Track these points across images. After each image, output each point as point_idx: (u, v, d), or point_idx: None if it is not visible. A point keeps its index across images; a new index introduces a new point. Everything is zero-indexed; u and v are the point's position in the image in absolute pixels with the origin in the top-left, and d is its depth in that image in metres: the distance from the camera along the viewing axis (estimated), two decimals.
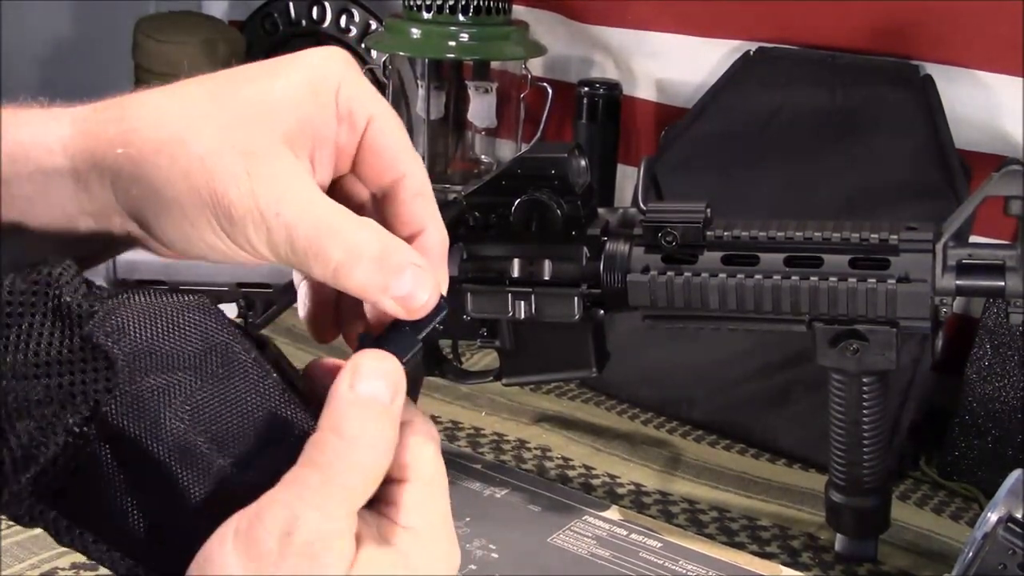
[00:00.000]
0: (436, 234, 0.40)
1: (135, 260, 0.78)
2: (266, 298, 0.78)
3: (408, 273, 0.37)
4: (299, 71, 0.38)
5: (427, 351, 0.87)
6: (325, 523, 0.32)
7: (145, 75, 1.32)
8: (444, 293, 0.39)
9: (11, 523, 0.75)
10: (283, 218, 0.36)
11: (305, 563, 0.32)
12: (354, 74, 0.39)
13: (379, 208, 0.41)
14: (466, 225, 0.73)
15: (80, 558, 0.72)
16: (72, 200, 0.39)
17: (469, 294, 0.73)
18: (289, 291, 0.78)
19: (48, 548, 0.73)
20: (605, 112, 1.11)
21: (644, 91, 1.16)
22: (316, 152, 0.38)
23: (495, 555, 0.72)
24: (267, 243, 0.36)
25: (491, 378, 0.78)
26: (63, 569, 0.71)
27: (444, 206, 0.79)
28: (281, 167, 0.36)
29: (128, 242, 0.40)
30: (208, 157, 0.36)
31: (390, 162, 0.39)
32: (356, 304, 0.41)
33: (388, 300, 0.37)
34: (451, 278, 0.74)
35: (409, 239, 0.39)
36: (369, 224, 0.37)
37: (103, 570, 0.79)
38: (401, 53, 1.17)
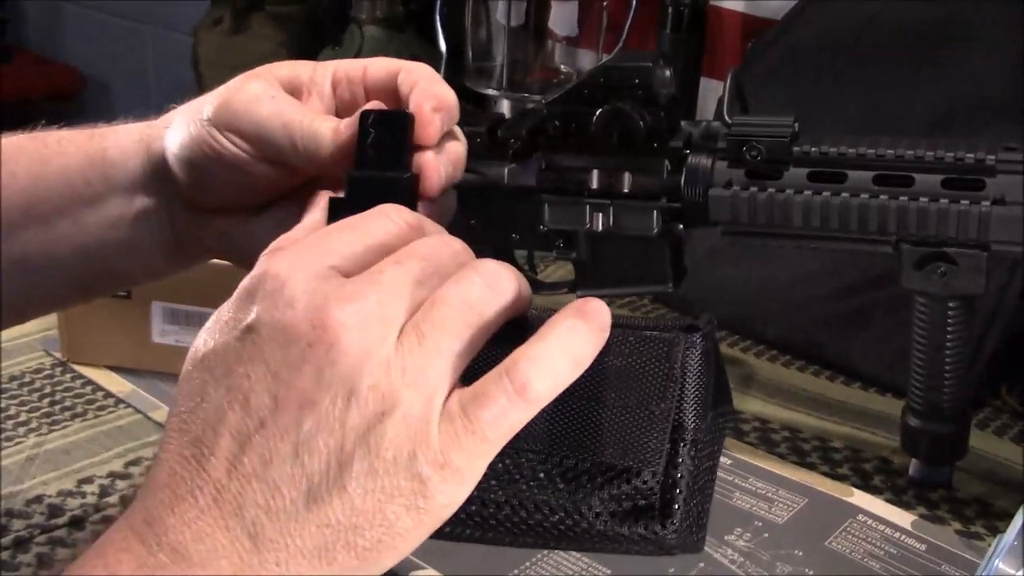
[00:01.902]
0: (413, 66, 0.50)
1: None
2: None
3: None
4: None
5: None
6: (284, 263, 0.36)
7: None
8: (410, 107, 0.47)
9: (98, 413, 0.78)
10: (277, 99, 0.50)
11: (268, 300, 0.35)
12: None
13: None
14: (546, 135, 0.72)
15: None
16: (142, 184, 0.53)
17: (547, 205, 0.73)
18: None
19: (133, 439, 0.75)
20: (690, 22, 1.08)
21: (731, 1, 1.12)
22: (305, 98, 0.51)
23: None
24: (267, 116, 0.49)
25: (566, 290, 0.78)
26: (147, 459, 0.73)
27: (523, 115, 0.78)
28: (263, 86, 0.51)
29: (177, 248, 0.55)
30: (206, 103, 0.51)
31: (391, 78, 0.50)
32: None
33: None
34: (529, 188, 0.74)
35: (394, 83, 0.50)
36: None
37: None
38: None
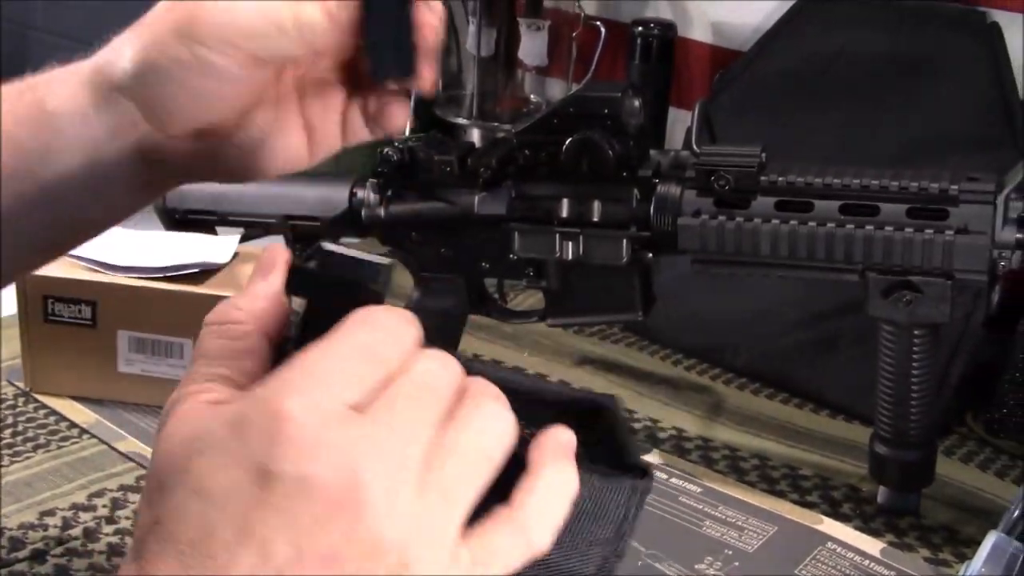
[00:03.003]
0: None
1: (184, 190, 0.78)
2: (314, 231, 0.78)
3: None
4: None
5: (472, 289, 0.87)
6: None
7: None
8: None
9: (61, 444, 0.77)
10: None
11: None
12: None
13: None
14: (516, 163, 0.72)
15: (128, 480, 0.74)
16: (96, 124, 0.50)
17: (516, 233, 0.73)
18: (337, 225, 0.78)
19: (97, 470, 0.74)
20: (658, 53, 1.09)
21: (699, 33, 1.14)
22: None
23: None
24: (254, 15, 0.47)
25: (535, 318, 0.78)
26: (111, 490, 0.72)
27: (493, 144, 0.78)
28: None
29: (146, 169, 0.51)
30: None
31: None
32: None
33: None
34: (499, 217, 0.74)
35: None
36: None
37: None
38: None
